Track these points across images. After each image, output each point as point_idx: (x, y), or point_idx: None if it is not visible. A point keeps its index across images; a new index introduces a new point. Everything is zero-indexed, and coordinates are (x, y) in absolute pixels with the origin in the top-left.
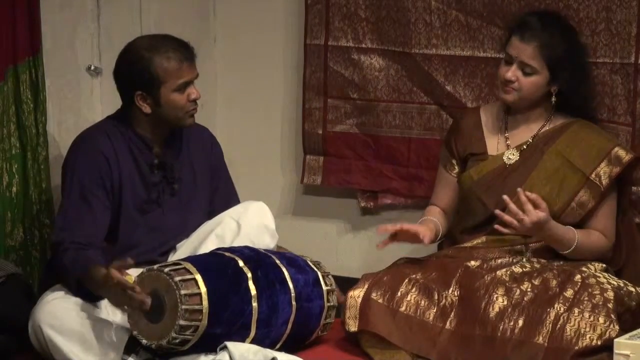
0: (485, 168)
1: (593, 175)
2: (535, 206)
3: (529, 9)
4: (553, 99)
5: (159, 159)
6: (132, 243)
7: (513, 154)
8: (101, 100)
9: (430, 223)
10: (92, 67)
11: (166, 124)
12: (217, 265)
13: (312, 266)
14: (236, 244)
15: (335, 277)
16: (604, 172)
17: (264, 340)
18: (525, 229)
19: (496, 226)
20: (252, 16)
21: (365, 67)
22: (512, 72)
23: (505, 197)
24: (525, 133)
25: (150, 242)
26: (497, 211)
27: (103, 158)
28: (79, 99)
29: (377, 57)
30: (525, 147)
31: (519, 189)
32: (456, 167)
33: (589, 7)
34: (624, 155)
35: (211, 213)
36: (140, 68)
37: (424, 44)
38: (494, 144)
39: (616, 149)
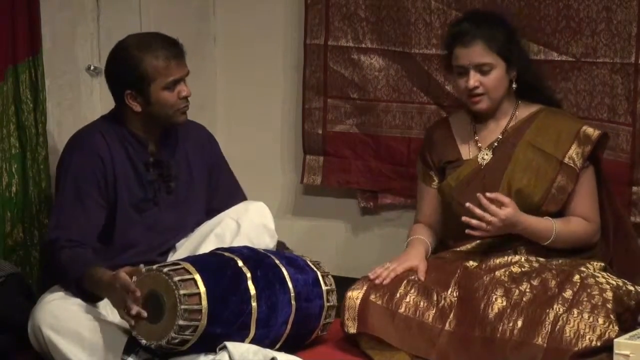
0: (462, 173)
1: (566, 159)
2: (501, 204)
3: (528, 9)
4: (514, 85)
5: (154, 157)
6: (129, 242)
7: (486, 154)
8: (101, 100)
9: (419, 245)
10: (92, 67)
11: (158, 122)
12: (216, 265)
13: (312, 266)
14: (236, 243)
15: (335, 277)
16: (576, 153)
17: (264, 340)
18: (497, 229)
19: (467, 231)
20: (252, 16)
21: (365, 67)
22: (473, 79)
23: (468, 204)
24: (494, 131)
25: (148, 241)
26: (464, 218)
27: (97, 157)
28: (78, 99)
29: (377, 57)
30: (496, 144)
31: (478, 194)
32: (435, 178)
33: (589, 7)
34: (592, 132)
35: (214, 211)
36: (130, 67)
37: (424, 44)
38: (466, 149)
39: (584, 127)
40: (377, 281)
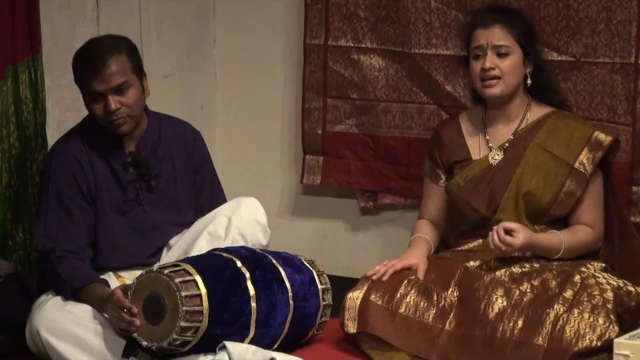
0: (471, 172)
1: (577, 164)
2: (511, 231)
3: (528, 9)
4: (528, 81)
5: (132, 156)
6: (115, 245)
7: (497, 154)
8: None
9: (422, 244)
10: None
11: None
12: (215, 266)
13: (307, 265)
14: (229, 240)
15: (335, 277)
16: (587, 159)
17: (263, 340)
18: (514, 252)
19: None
20: (251, 16)
21: (364, 67)
22: (489, 60)
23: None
24: (505, 132)
25: (134, 242)
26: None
27: (76, 162)
28: (78, 99)
29: (377, 57)
30: (507, 145)
31: (490, 233)
32: (442, 176)
33: (589, 7)
34: (604, 138)
35: (198, 211)
36: (72, 68)
37: (423, 44)
38: (476, 148)
39: (596, 133)
40: (374, 277)
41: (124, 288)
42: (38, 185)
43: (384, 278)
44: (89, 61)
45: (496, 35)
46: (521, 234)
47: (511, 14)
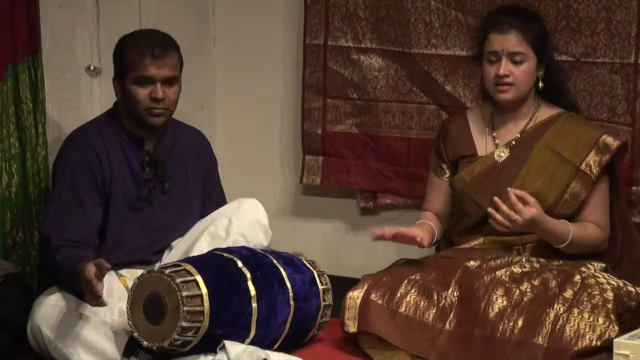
0: (477, 169)
1: (583, 165)
2: (525, 203)
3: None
4: (540, 84)
5: (150, 156)
6: (122, 240)
7: (503, 152)
8: (100, 101)
9: (426, 225)
10: (92, 67)
11: (135, 118)
12: (216, 266)
13: (308, 265)
14: (230, 241)
15: (335, 277)
16: (593, 161)
17: (263, 340)
18: (518, 228)
19: (490, 221)
20: (251, 16)
21: (364, 67)
22: (504, 67)
23: (496, 198)
24: (513, 130)
25: (140, 239)
26: (490, 210)
27: (94, 154)
28: (78, 99)
29: (377, 57)
30: (514, 143)
31: (508, 189)
32: (447, 171)
33: (589, 7)
34: (612, 142)
35: (203, 217)
36: (117, 52)
37: (423, 44)
38: (482, 145)
39: (604, 136)
40: (378, 232)
41: (98, 264)
42: (52, 172)
43: (386, 234)
44: (150, 46)
45: (512, 42)
46: (534, 208)
47: (527, 17)
